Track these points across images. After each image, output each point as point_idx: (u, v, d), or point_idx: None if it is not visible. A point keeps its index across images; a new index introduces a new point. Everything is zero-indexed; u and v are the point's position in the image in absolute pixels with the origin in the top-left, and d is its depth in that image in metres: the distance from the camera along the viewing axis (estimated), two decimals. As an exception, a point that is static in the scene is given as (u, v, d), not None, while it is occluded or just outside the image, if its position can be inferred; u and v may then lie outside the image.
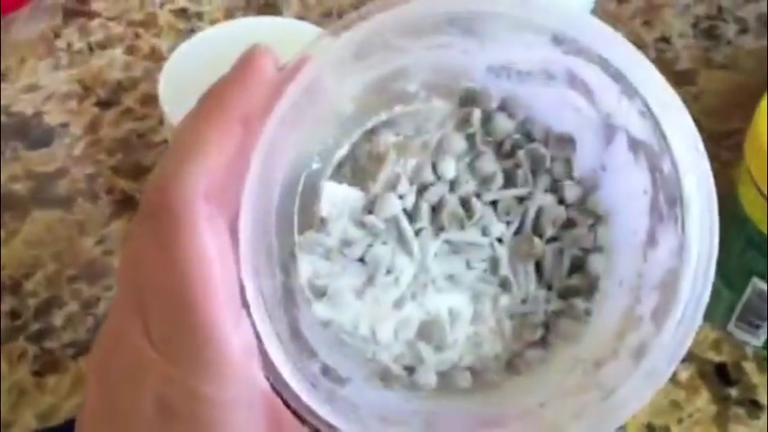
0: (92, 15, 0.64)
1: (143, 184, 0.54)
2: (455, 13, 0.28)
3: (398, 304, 0.32)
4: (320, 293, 0.31)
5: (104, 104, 0.59)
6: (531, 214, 0.32)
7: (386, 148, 0.33)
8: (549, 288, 0.32)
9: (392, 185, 0.32)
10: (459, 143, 0.32)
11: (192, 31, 0.62)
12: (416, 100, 0.33)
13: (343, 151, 0.33)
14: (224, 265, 0.25)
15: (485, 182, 0.32)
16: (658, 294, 0.29)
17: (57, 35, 0.63)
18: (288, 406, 0.27)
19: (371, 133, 0.33)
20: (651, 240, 0.30)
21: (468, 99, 0.32)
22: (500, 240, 0.32)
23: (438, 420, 0.30)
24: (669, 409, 0.44)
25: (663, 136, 0.28)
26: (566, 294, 0.32)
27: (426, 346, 0.32)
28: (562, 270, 0.32)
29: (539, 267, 0.32)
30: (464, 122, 0.32)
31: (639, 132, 0.29)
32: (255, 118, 0.26)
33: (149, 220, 0.26)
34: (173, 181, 0.25)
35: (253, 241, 0.26)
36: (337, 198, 0.32)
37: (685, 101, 0.28)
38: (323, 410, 0.27)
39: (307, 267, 0.32)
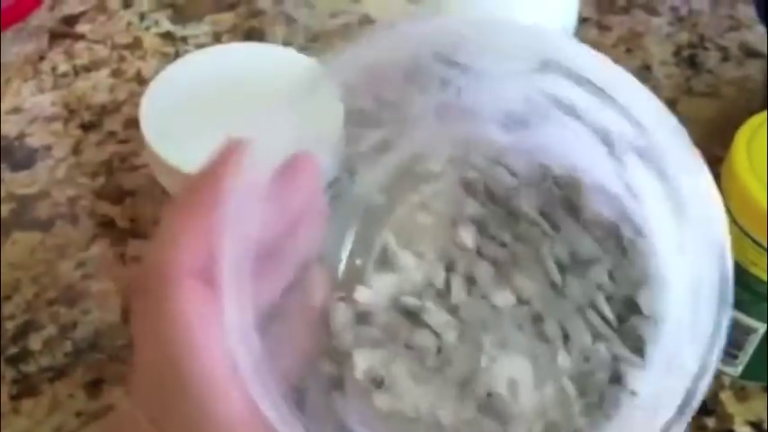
0: (77, 38, 0.65)
1: (124, 208, 0.54)
2: (438, 45, 0.28)
3: (457, 384, 0.31)
4: (377, 384, 0.31)
5: (88, 127, 0.59)
6: (565, 261, 0.31)
7: (415, 228, 0.33)
8: (604, 338, 0.30)
9: (423, 267, 0.32)
10: (473, 210, 0.32)
11: (177, 55, 0.63)
12: (441, 177, 0.33)
13: (382, 241, 0.33)
14: (213, 339, 0.25)
15: (513, 239, 0.32)
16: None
17: (42, 57, 0.63)
18: None
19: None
20: (681, 249, 0.28)
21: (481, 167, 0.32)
22: (539, 297, 0.31)
23: None
24: (646, 438, 0.44)
25: (655, 142, 0.28)
26: (624, 339, 0.30)
27: (491, 422, 0.31)
28: (613, 312, 0.30)
29: (587, 318, 0.31)
30: (473, 189, 0.32)
31: (637, 139, 0.28)
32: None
33: (139, 302, 0.27)
34: (156, 261, 0.26)
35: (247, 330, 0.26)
36: (378, 287, 0.32)
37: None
38: None
39: (360, 360, 0.31)
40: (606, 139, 0.30)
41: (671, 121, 0.27)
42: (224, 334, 0.25)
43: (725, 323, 0.26)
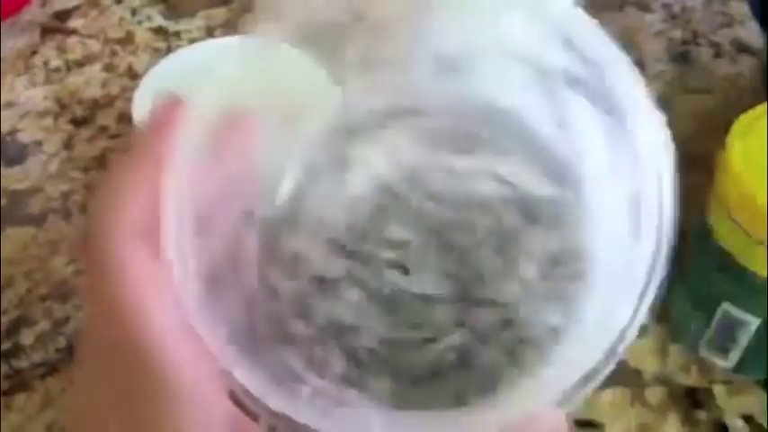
0: (69, 33, 0.64)
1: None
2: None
3: None
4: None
5: (80, 122, 0.59)
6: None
7: None
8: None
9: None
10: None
11: (169, 50, 0.62)
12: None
13: None
14: (163, 298, 0.25)
15: None
16: None
17: (34, 52, 0.63)
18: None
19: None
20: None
21: None
22: None
23: None
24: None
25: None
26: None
27: None
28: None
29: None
30: None
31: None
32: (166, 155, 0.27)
33: (87, 269, 0.26)
34: (99, 231, 0.26)
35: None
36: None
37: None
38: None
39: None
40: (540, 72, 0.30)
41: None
42: (172, 289, 0.25)
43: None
